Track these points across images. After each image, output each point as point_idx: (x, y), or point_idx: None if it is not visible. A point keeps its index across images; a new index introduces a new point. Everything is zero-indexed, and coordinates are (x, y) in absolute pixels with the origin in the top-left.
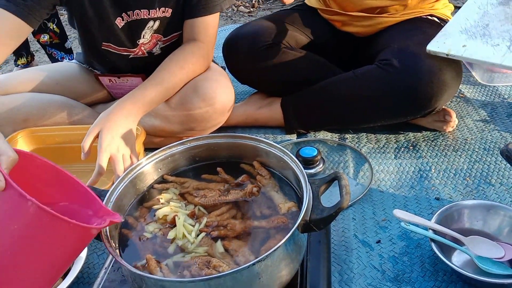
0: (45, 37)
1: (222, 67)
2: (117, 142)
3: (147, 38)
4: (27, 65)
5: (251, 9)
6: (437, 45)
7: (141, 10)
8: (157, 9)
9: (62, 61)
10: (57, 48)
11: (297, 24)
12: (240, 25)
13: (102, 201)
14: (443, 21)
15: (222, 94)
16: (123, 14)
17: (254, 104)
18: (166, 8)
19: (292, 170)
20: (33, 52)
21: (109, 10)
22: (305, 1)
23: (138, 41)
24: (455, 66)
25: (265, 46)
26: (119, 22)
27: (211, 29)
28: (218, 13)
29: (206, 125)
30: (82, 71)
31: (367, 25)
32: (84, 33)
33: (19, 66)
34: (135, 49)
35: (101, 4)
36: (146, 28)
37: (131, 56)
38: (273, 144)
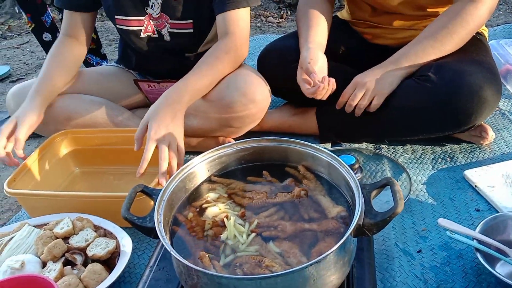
0: None
1: None
2: (163, 131)
3: (156, 11)
4: None
5: (280, 20)
6: (472, 173)
7: None
8: None
9: (97, 65)
10: (92, 53)
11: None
12: (273, 38)
13: (156, 200)
14: (480, 35)
15: (260, 89)
16: None
17: (288, 111)
18: None
19: (341, 174)
20: None
21: None
22: (337, 14)
23: (146, 9)
24: (496, 83)
25: (295, 60)
26: None
27: (241, 22)
28: (248, 9)
29: (244, 120)
30: (122, 74)
31: (400, 38)
32: (106, 7)
33: None
34: (143, 19)
35: None
36: None
37: (142, 34)
38: (321, 149)
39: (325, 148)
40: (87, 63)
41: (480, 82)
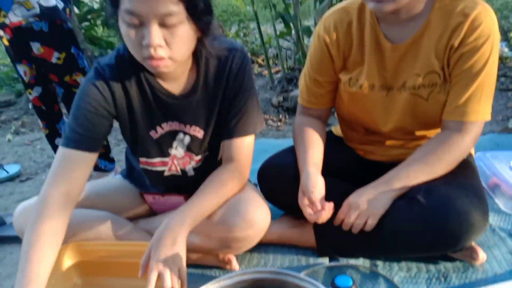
0: None
1: (254, 184)
2: (164, 258)
3: (180, 152)
4: None
5: (279, 123)
6: None
7: (173, 122)
8: (188, 125)
9: (105, 169)
10: (100, 157)
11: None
12: (273, 142)
13: None
14: (470, 156)
15: (261, 215)
16: (157, 127)
17: (287, 223)
18: (196, 127)
19: None
20: None
21: (143, 123)
22: (331, 129)
23: (170, 151)
24: (482, 208)
25: (293, 176)
26: (154, 135)
27: (246, 149)
28: (253, 136)
29: (243, 242)
30: (127, 187)
31: (392, 155)
32: (129, 146)
33: None
34: (167, 160)
35: (137, 118)
36: (178, 139)
37: (165, 173)
38: (317, 285)
39: (314, 265)
40: (95, 166)
41: (467, 207)
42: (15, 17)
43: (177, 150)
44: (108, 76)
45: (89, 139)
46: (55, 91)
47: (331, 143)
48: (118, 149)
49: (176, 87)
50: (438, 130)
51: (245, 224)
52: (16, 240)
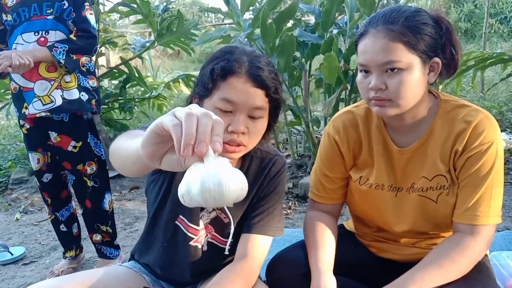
0: (97, 237)
1: (264, 281)
2: None
3: (202, 223)
4: (75, 257)
5: (288, 211)
6: None
7: None
8: (217, 208)
9: (110, 256)
10: (105, 244)
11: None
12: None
13: None
14: (485, 257)
15: None
16: None
17: None
18: (223, 214)
19: None
20: (82, 245)
21: None
22: (343, 224)
23: (199, 220)
24: None
25: (304, 273)
26: None
27: (261, 249)
28: (271, 238)
29: None
30: (133, 278)
31: (406, 254)
32: (163, 204)
33: (67, 258)
34: (199, 229)
35: None
36: (205, 211)
37: (191, 242)
38: None
39: None
40: (100, 253)
41: None
42: (33, 109)
43: (202, 220)
44: None
45: None
46: (66, 177)
47: (343, 238)
48: (124, 233)
49: None
50: (451, 231)
51: None
52: None
